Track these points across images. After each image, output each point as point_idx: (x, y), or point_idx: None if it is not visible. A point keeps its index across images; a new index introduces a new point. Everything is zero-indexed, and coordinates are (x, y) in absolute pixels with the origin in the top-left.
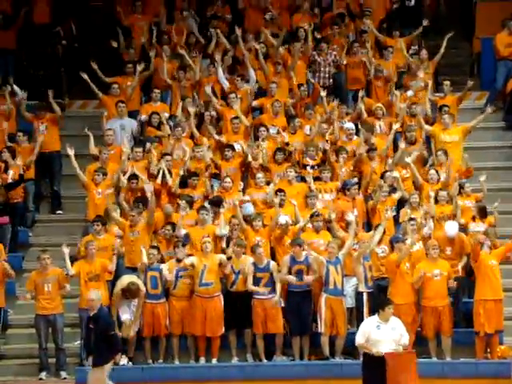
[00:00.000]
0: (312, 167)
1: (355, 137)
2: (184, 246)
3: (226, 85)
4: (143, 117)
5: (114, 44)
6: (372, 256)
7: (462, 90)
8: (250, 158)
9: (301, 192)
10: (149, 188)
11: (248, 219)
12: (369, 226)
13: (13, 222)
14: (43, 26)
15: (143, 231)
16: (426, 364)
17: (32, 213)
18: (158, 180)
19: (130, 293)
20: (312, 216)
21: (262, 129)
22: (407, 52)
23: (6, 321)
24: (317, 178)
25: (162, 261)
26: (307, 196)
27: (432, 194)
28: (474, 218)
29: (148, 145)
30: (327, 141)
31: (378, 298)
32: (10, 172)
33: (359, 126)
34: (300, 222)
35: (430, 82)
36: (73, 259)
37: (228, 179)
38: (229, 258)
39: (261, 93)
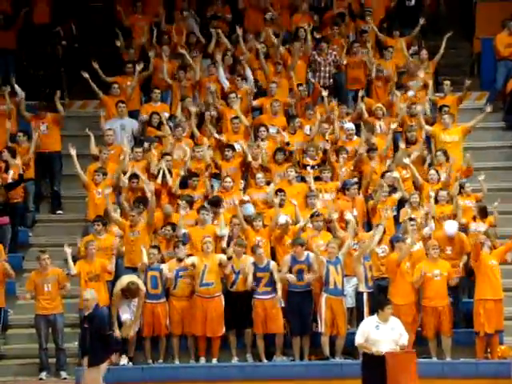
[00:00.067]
0: (312, 167)
1: (355, 137)
2: (184, 245)
3: (227, 85)
4: (143, 117)
5: (118, 43)
6: (372, 256)
7: (462, 89)
8: (249, 158)
9: (301, 192)
10: (149, 188)
11: (248, 219)
12: (369, 226)
13: (13, 222)
14: (43, 26)
15: (143, 231)
16: (426, 364)
17: (32, 213)
18: (159, 180)
19: (129, 292)
20: (312, 216)
21: (262, 129)
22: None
23: (6, 321)
24: (317, 178)
25: (163, 261)
26: (307, 196)
27: (432, 193)
28: (474, 218)
29: (146, 144)
30: (327, 141)
31: (378, 298)
32: (10, 172)
33: (361, 126)
34: (300, 221)
35: (430, 82)
36: (73, 259)
37: (228, 179)
38: (229, 258)
39: (261, 93)
